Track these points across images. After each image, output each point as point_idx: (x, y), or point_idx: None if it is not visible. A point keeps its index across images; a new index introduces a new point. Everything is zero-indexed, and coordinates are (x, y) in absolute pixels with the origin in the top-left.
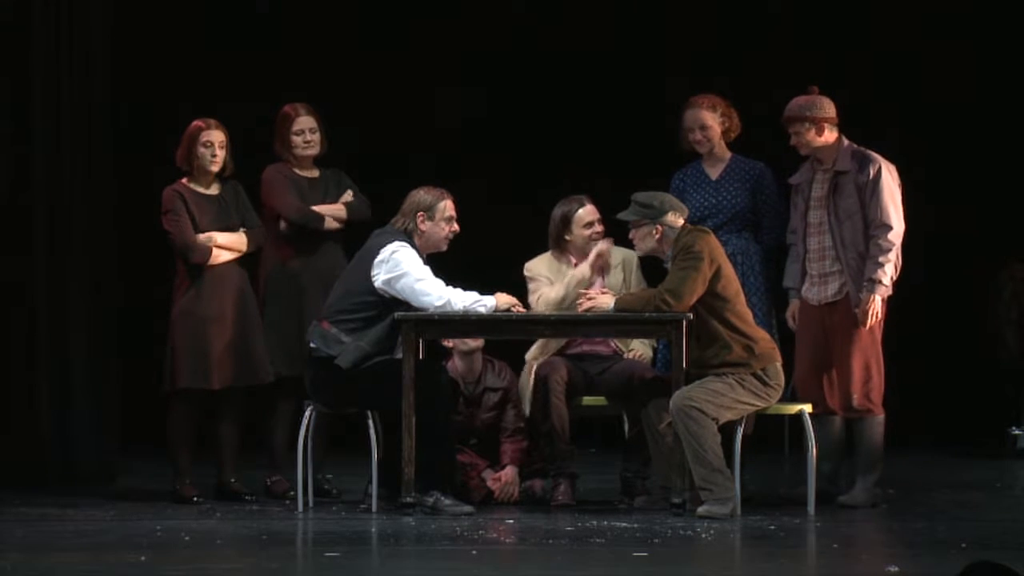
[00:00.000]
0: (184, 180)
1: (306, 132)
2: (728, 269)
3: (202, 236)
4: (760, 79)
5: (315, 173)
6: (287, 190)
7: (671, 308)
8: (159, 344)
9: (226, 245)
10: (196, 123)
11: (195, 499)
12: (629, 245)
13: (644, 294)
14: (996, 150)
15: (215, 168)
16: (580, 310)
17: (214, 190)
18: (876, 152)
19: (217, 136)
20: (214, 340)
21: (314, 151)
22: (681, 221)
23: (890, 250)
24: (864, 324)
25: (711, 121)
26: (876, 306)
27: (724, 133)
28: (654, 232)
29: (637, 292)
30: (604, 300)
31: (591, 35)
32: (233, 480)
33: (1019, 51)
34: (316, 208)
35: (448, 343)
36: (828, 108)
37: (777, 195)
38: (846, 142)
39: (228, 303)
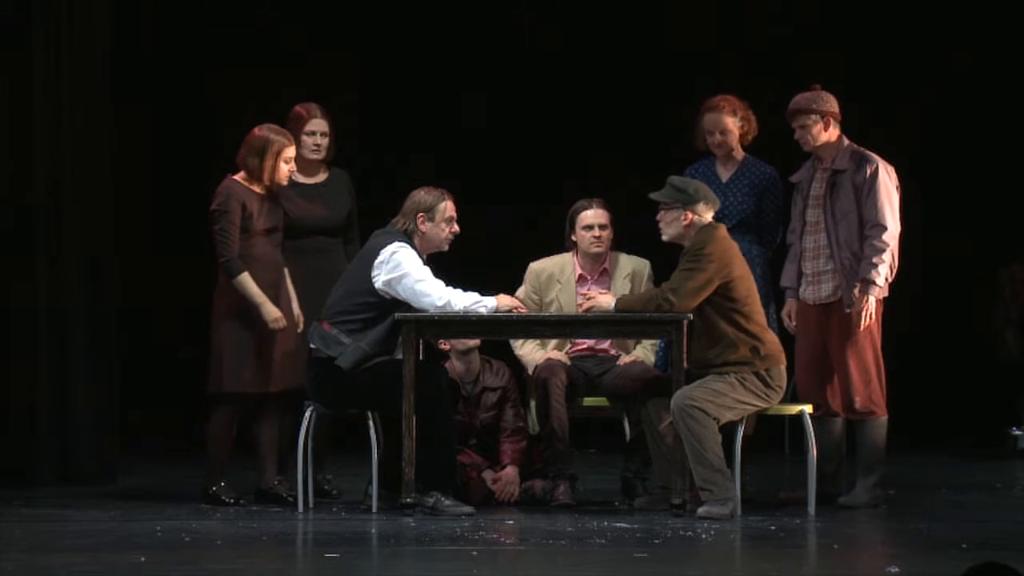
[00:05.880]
0: (238, 177)
1: (318, 135)
2: (741, 270)
3: (271, 317)
4: (759, 80)
5: (320, 177)
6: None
7: (673, 308)
8: (159, 344)
9: (297, 319)
10: (272, 135)
11: (231, 501)
12: (640, 254)
13: (646, 294)
14: (995, 150)
15: (284, 181)
16: (580, 310)
17: (261, 189)
18: (874, 152)
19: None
20: (266, 342)
21: (321, 155)
22: (710, 215)
23: (884, 250)
24: (859, 325)
25: (732, 126)
26: (870, 307)
27: (742, 136)
28: (683, 218)
29: (639, 292)
30: (604, 299)
31: (591, 36)
32: (278, 482)
33: (1018, 50)
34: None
35: (444, 344)
36: (833, 103)
37: (784, 202)
38: (846, 141)
39: (279, 302)
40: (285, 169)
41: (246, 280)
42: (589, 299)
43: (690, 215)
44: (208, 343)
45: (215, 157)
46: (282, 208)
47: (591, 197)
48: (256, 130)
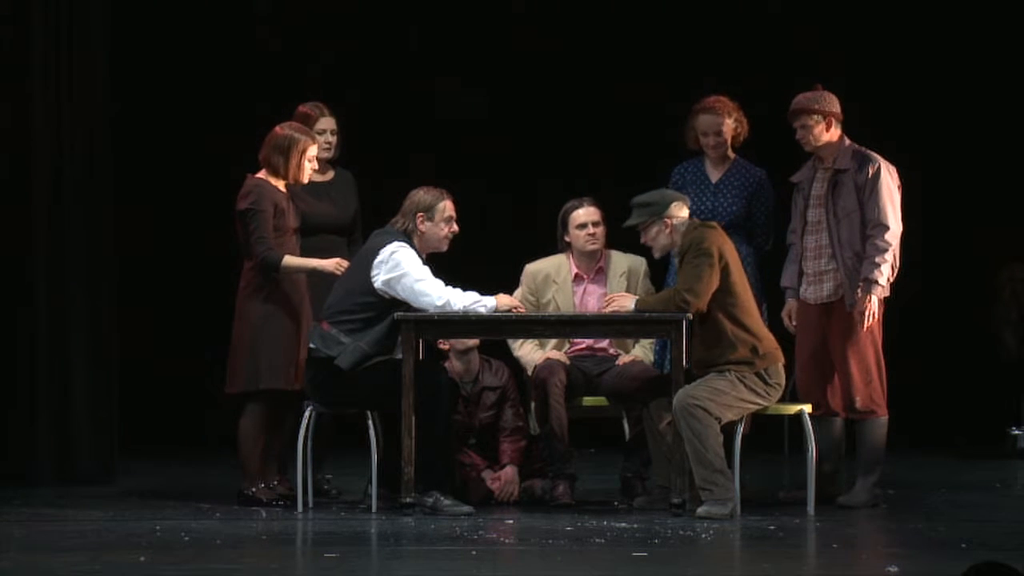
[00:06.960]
0: (262, 175)
1: (327, 133)
2: (736, 264)
3: (332, 264)
4: (757, 80)
5: (327, 176)
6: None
7: (690, 307)
8: (160, 344)
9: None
10: (296, 134)
11: (274, 502)
12: (633, 251)
13: (663, 295)
14: (995, 150)
15: (305, 179)
16: (605, 309)
17: (283, 188)
18: (876, 153)
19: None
20: (294, 339)
21: (331, 154)
22: (686, 211)
23: (887, 250)
24: (861, 325)
25: (728, 127)
26: (873, 306)
27: (734, 138)
28: (664, 227)
29: (657, 294)
30: (627, 301)
31: (592, 35)
32: (277, 482)
33: (1018, 49)
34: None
35: (443, 344)
36: (835, 104)
37: (774, 203)
38: (847, 141)
39: (303, 302)
40: (308, 168)
41: (292, 259)
42: (612, 300)
43: (669, 221)
44: (225, 343)
45: (216, 157)
46: (299, 207)
47: (581, 197)
48: (278, 128)
